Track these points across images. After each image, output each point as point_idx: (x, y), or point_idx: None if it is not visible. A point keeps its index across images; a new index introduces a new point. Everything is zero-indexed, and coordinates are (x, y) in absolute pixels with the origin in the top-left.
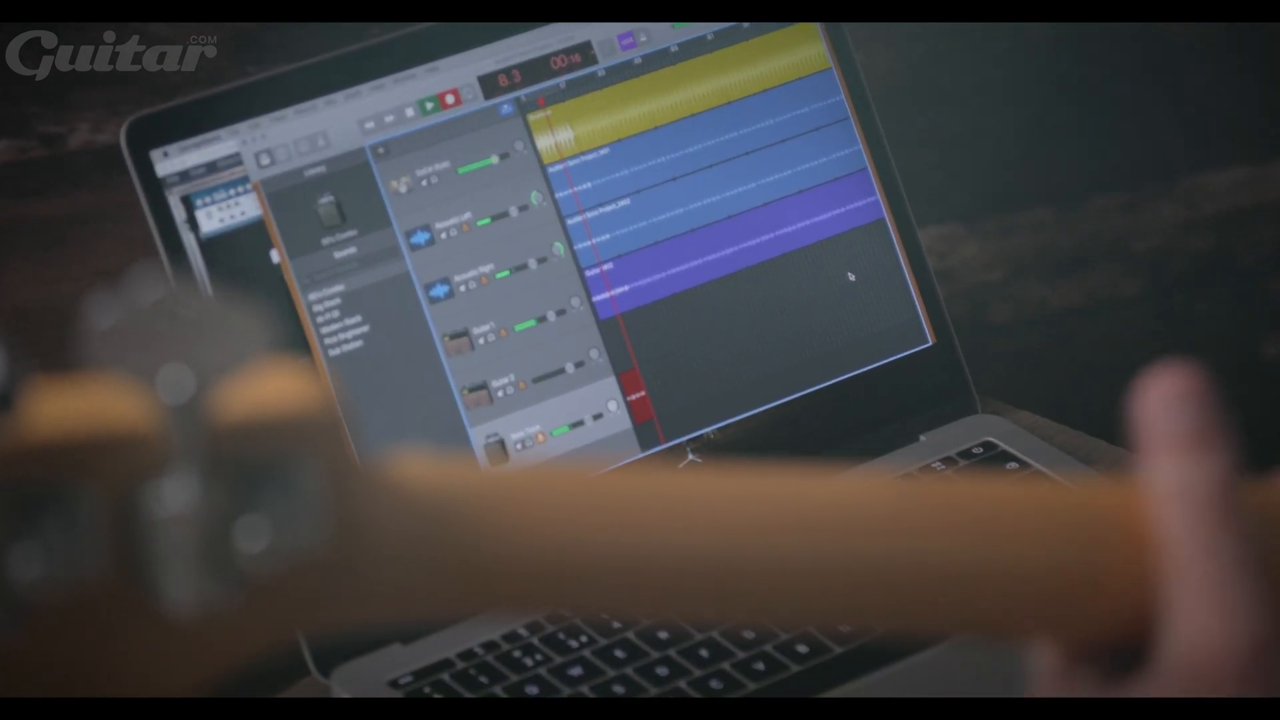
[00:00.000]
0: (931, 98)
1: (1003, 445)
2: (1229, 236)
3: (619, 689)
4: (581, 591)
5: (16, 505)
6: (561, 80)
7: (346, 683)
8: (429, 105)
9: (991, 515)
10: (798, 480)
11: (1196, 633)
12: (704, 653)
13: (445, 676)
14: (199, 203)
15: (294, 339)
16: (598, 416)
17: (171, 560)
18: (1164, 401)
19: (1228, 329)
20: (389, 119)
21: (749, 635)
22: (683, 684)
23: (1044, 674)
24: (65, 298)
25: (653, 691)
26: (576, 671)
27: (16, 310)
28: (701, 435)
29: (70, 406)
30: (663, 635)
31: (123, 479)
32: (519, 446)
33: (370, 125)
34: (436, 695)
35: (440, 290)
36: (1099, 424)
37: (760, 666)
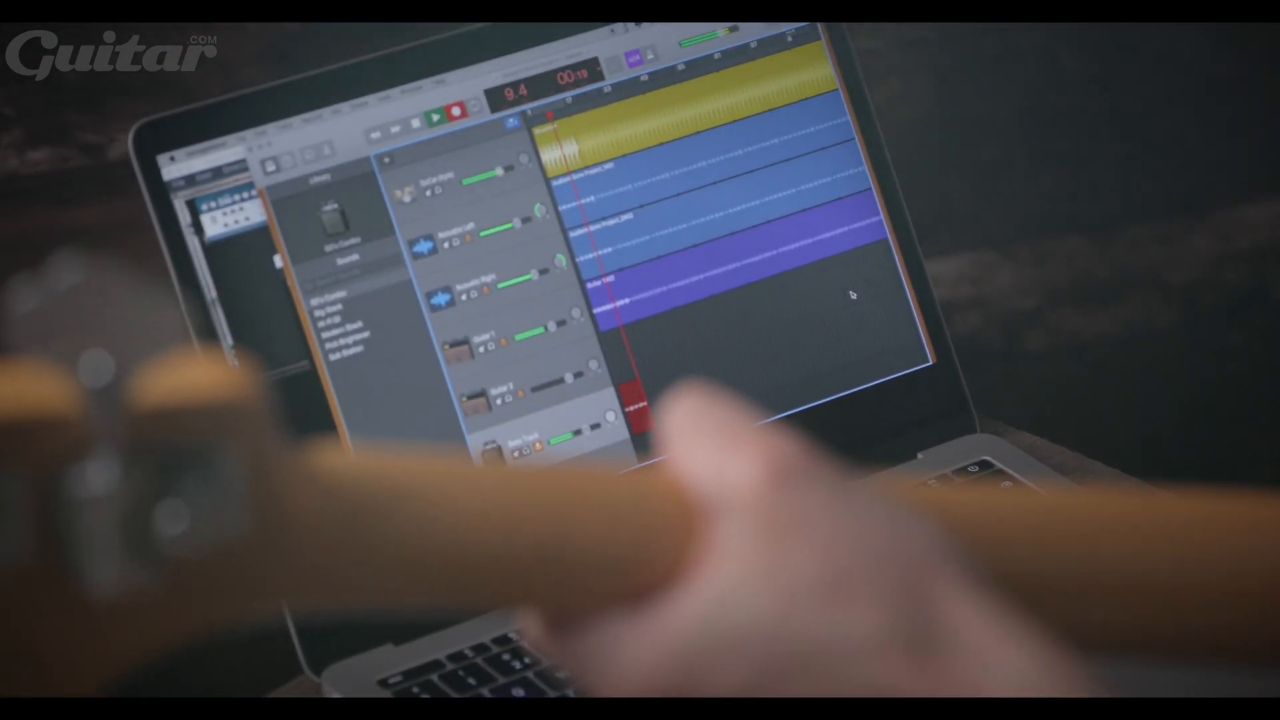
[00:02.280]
0: (966, 125)
1: (999, 464)
2: (1265, 270)
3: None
4: (501, 585)
5: None
6: (568, 95)
7: (337, 681)
8: (435, 117)
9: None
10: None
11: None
12: None
13: (434, 678)
14: (204, 207)
15: (296, 344)
16: (595, 426)
17: (92, 543)
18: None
19: (1263, 362)
20: (395, 129)
21: None
22: None
23: None
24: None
25: None
26: (566, 674)
27: None
28: None
29: None
30: None
31: (44, 462)
32: (516, 454)
33: (376, 135)
34: (425, 698)
35: (442, 299)
36: (1129, 454)
37: None
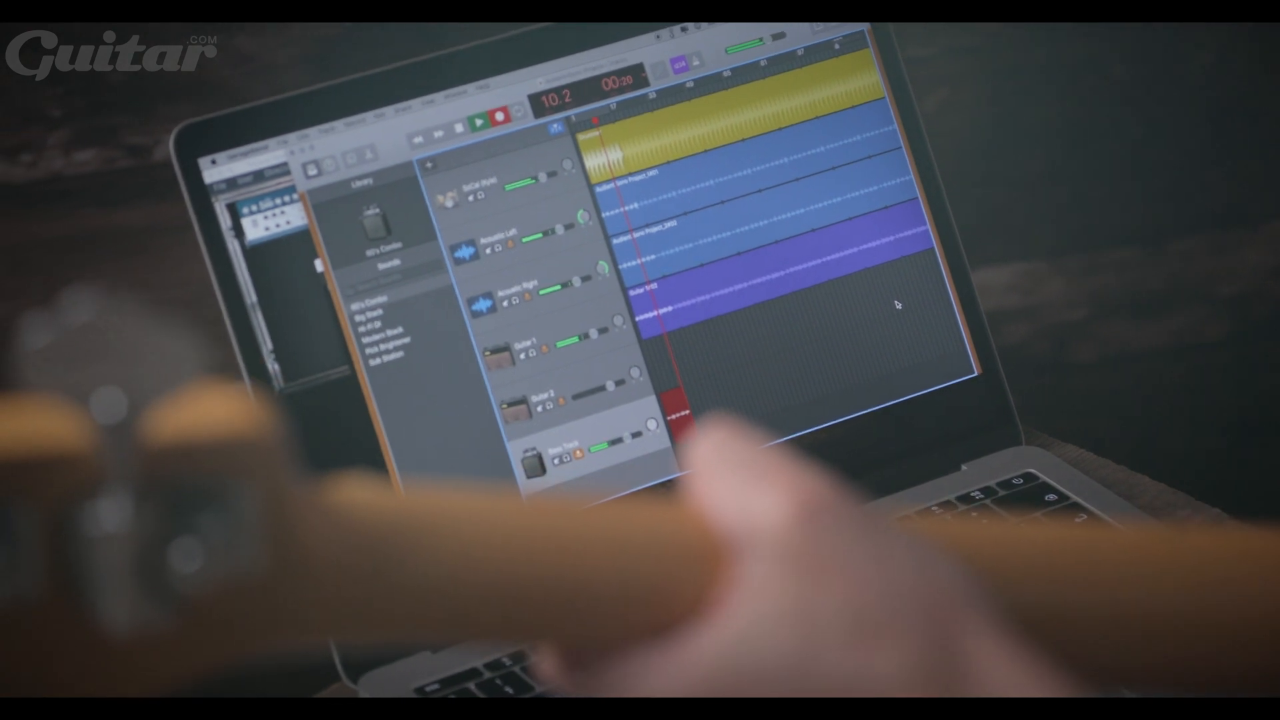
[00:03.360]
0: (1016, 134)
1: (1043, 477)
2: None
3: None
4: (521, 621)
5: None
6: (612, 101)
7: (374, 689)
8: (479, 122)
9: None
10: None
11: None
12: None
13: (471, 685)
14: (245, 210)
15: (336, 349)
16: (636, 434)
17: (106, 580)
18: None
19: None
20: (438, 134)
21: None
22: None
23: None
24: (144, 303)
25: None
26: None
27: None
28: None
29: (3, 426)
30: None
31: (57, 499)
32: (556, 462)
33: (419, 140)
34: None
35: (483, 305)
36: (1178, 468)
37: None
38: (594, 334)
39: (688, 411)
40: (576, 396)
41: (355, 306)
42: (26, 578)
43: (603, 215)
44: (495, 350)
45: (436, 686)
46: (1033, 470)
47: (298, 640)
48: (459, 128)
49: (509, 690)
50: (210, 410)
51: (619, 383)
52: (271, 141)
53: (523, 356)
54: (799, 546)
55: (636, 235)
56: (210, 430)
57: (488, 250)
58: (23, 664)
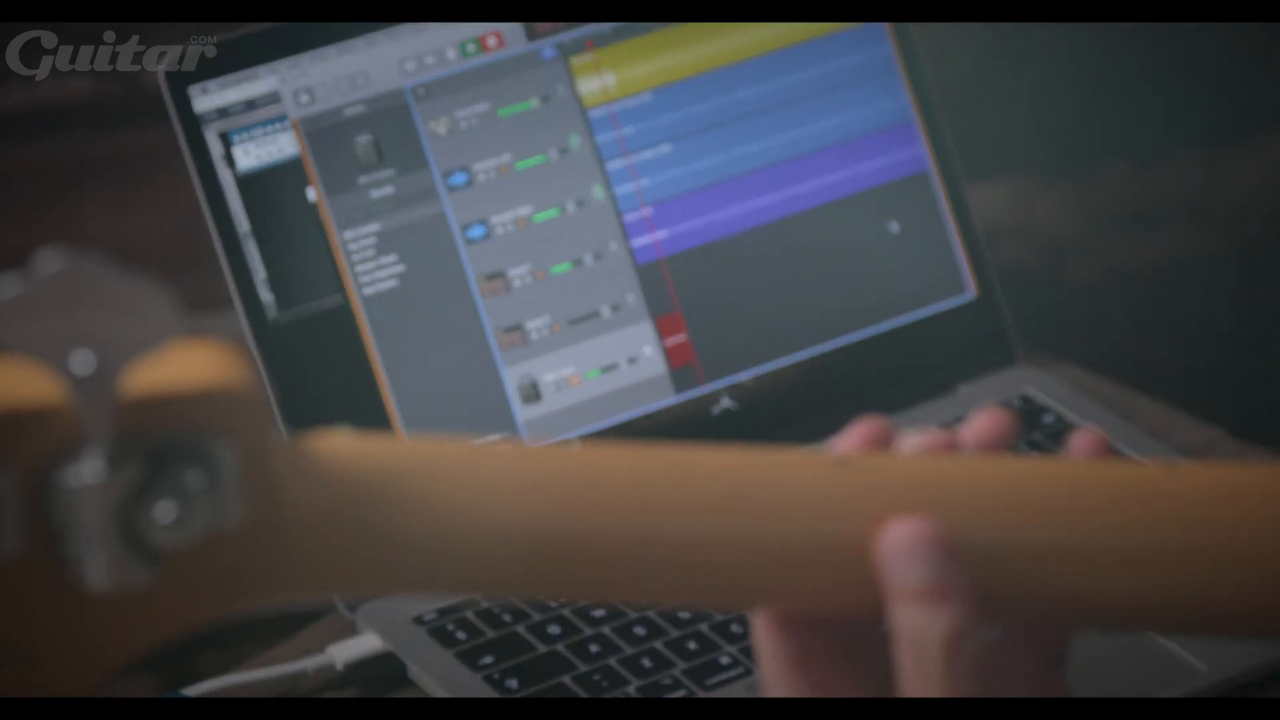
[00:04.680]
0: (1010, 53)
1: (1042, 398)
2: None
3: (639, 630)
4: (509, 571)
5: None
6: (607, 25)
7: (372, 618)
8: (470, 48)
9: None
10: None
11: None
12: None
13: (469, 614)
14: (236, 139)
15: (330, 277)
16: (632, 360)
17: (84, 535)
18: (904, 549)
19: None
20: (430, 60)
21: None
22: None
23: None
24: (137, 231)
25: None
26: (598, 612)
27: (85, 241)
28: (738, 382)
29: None
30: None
31: (33, 454)
32: (552, 388)
33: (411, 66)
34: (460, 634)
35: (477, 231)
36: (1172, 382)
37: (692, 645)
38: (589, 259)
39: (684, 337)
40: (572, 323)
41: (349, 235)
42: (4, 535)
43: (596, 140)
44: (490, 276)
45: (434, 615)
46: (1029, 391)
47: (281, 596)
48: (451, 53)
49: (507, 618)
50: (187, 363)
51: (614, 308)
52: (262, 69)
53: (517, 283)
54: None
55: (632, 160)
56: (188, 383)
57: (481, 177)
58: (2, 619)
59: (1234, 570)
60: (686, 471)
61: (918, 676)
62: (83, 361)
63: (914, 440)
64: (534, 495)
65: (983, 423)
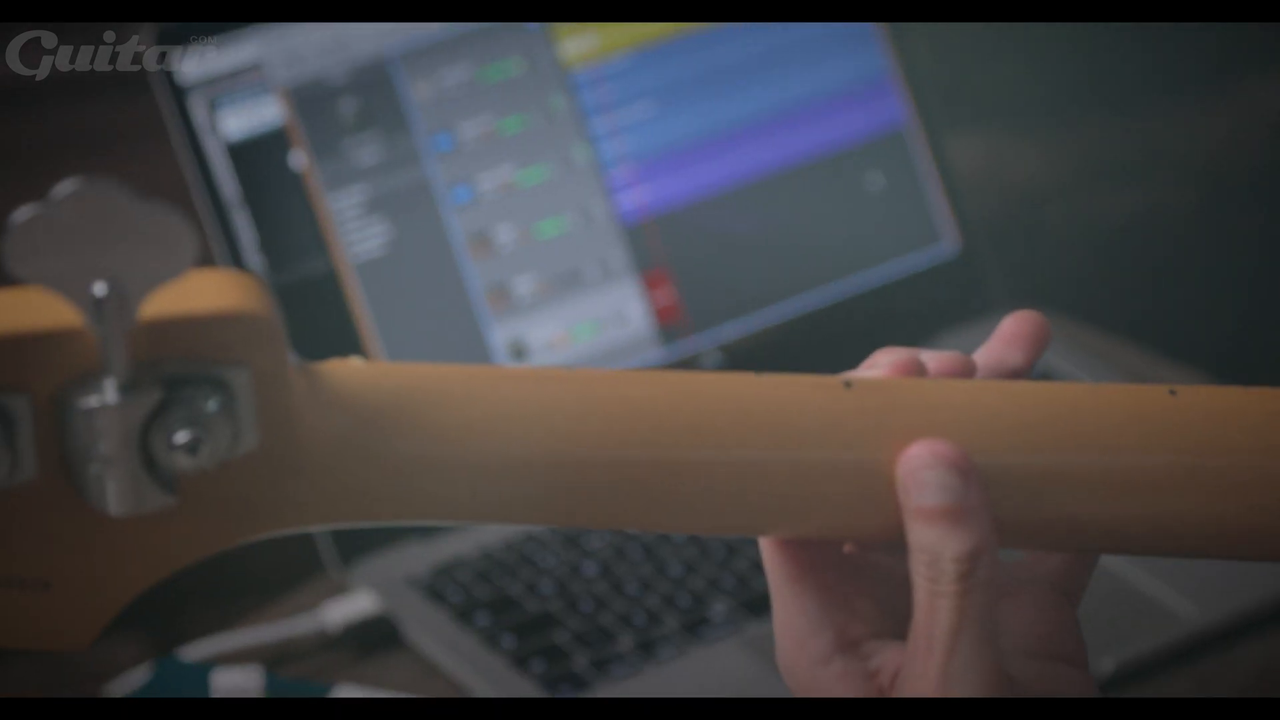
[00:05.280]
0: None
1: None
2: None
3: (631, 587)
4: (522, 497)
5: None
6: None
7: (366, 577)
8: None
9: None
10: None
11: (918, 691)
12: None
13: (462, 575)
14: (222, 107)
15: (317, 243)
16: (619, 318)
17: (101, 460)
18: (924, 470)
19: None
20: (414, 25)
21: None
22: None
23: None
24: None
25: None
26: (591, 573)
27: None
28: (725, 336)
29: None
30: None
31: (50, 380)
32: (541, 347)
33: (394, 31)
34: (454, 594)
35: (462, 194)
36: (1151, 329)
37: (684, 603)
38: (574, 219)
39: (671, 294)
40: (558, 283)
41: (336, 200)
42: (23, 461)
43: (579, 101)
44: (476, 239)
45: (428, 575)
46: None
47: (297, 523)
48: None
49: (500, 578)
50: (205, 290)
51: (600, 267)
52: (247, 35)
53: (504, 244)
54: None
55: (614, 119)
56: (204, 309)
57: (466, 140)
58: (22, 546)
59: (1240, 492)
60: (699, 398)
61: (932, 595)
62: (101, 288)
63: (931, 363)
64: (547, 421)
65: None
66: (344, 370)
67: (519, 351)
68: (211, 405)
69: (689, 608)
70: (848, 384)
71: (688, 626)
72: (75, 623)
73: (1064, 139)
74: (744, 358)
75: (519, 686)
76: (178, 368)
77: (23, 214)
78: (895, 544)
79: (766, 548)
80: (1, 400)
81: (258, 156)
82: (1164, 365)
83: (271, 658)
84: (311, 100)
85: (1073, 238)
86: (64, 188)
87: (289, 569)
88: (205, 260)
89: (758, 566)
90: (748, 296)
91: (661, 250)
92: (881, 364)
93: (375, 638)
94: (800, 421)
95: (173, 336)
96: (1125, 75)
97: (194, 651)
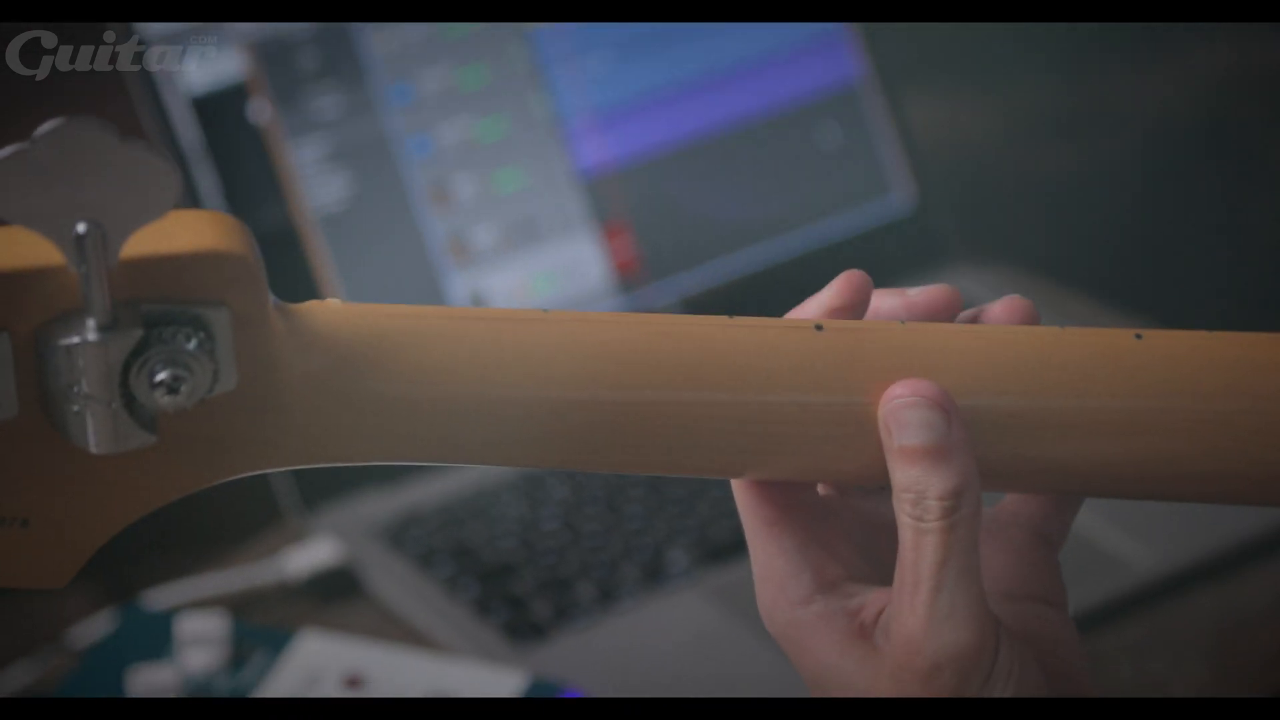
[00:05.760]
0: None
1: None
2: (1226, 101)
3: (592, 537)
4: (497, 438)
5: None
6: None
7: (327, 524)
8: None
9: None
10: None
11: (906, 636)
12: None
13: (424, 522)
14: (184, 58)
15: (277, 195)
16: (578, 269)
17: (81, 397)
18: (907, 409)
19: (1225, 196)
20: None
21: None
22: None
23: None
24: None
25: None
26: (551, 524)
27: None
28: (683, 290)
29: None
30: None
31: (29, 317)
32: (500, 298)
33: None
34: (415, 544)
35: (422, 145)
36: (1108, 286)
37: (644, 556)
38: (532, 171)
39: (629, 245)
40: (517, 234)
41: (296, 151)
42: (2, 398)
43: (540, 53)
44: (436, 190)
45: (389, 523)
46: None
47: (274, 461)
48: None
49: (460, 529)
50: (185, 230)
51: (559, 219)
52: None
53: (463, 196)
54: None
55: (573, 72)
56: (185, 249)
57: (426, 92)
58: (2, 484)
59: (1209, 434)
60: (673, 340)
61: (917, 533)
62: (82, 226)
63: (889, 301)
64: (524, 362)
65: (934, 293)
66: (323, 311)
67: (478, 302)
68: (192, 344)
69: (649, 558)
70: (819, 327)
71: (648, 575)
72: (53, 560)
73: (1017, 94)
74: (702, 310)
75: (480, 635)
76: (158, 307)
77: (3, 152)
78: (871, 487)
79: (740, 492)
80: None
81: (219, 108)
82: (1115, 314)
83: (233, 605)
84: (272, 52)
85: (1025, 192)
86: (46, 126)
87: (247, 516)
88: (184, 203)
89: (718, 516)
90: (707, 248)
91: (620, 202)
92: (837, 289)
93: (336, 588)
94: (771, 363)
95: (153, 276)
96: (1072, 33)
97: (155, 599)
